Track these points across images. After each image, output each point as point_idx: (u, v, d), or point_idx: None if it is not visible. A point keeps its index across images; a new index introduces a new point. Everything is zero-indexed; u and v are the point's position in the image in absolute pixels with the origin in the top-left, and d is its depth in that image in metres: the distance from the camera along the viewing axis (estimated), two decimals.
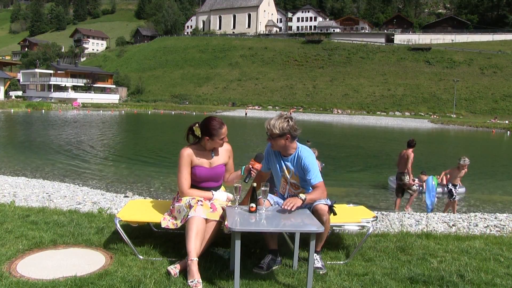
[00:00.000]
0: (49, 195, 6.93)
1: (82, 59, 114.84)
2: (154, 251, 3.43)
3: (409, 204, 8.56)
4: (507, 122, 52.45)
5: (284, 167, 3.44)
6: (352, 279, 3.02)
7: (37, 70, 78.38)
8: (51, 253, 3.31)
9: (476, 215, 6.46)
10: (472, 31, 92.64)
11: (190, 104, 74.81)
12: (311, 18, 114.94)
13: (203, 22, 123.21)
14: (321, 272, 3.12)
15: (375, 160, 17.79)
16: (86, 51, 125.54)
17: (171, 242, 3.60)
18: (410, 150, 8.47)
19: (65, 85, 74.04)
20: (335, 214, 3.35)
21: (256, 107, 71.71)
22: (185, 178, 3.42)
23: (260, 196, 3.18)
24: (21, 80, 79.29)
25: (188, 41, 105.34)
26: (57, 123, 33.10)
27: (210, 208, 3.26)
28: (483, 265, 3.40)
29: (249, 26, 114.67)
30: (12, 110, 47.48)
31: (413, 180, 8.62)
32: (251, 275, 2.98)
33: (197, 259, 2.94)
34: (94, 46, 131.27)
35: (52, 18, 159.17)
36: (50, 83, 73.06)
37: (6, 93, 65.74)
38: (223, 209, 3.28)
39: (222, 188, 3.63)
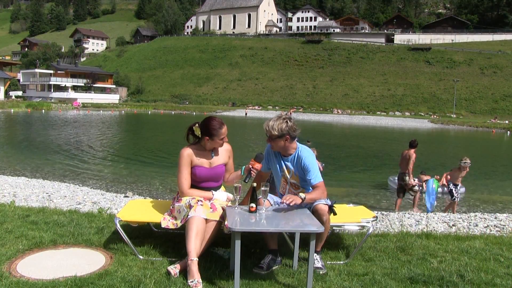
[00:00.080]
0: (49, 195, 6.93)
1: (82, 59, 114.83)
2: (154, 251, 3.43)
3: (416, 205, 8.51)
4: (507, 122, 52.45)
5: (284, 167, 3.44)
6: (352, 279, 3.02)
7: (37, 70, 78.39)
8: (51, 253, 3.31)
9: (476, 215, 6.46)
10: (472, 31, 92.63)
11: (190, 104, 74.79)
12: (311, 18, 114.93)
13: (203, 22, 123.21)
14: (321, 272, 3.12)
15: (375, 160, 17.79)
16: (86, 51, 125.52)
17: (171, 242, 3.60)
18: (412, 151, 8.45)
19: (65, 85, 74.04)
20: (335, 214, 3.35)
21: (256, 107, 71.70)
22: (185, 178, 3.42)
23: (260, 196, 3.18)
24: (21, 80, 79.30)
25: (188, 41, 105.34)
26: (57, 123, 33.10)
27: (210, 208, 3.26)
28: (483, 265, 3.40)
29: (249, 26, 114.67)
30: (12, 110, 47.50)
31: (414, 181, 8.61)
32: (251, 275, 2.98)
33: (197, 259, 2.94)
34: (94, 46, 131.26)
35: (52, 18, 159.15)
36: (50, 83, 73.07)
37: (6, 93, 65.75)
38: (223, 209, 3.28)
39: (222, 188, 3.63)
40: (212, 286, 2.84)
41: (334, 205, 3.35)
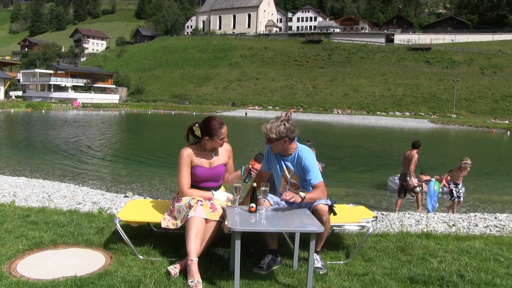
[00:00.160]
0: (49, 195, 6.93)
1: (82, 59, 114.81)
2: (154, 251, 3.43)
3: (420, 206, 8.50)
4: (507, 122, 52.44)
5: (284, 167, 3.44)
6: (352, 279, 3.02)
7: (37, 70, 78.37)
8: (51, 253, 3.31)
9: (476, 215, 6.46)
10: (472, 31, 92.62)
11: (190, 104, 74.79)
12: (311, 18, 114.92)
13: (203, 22, 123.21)
14: (321, 272, 3.12)
15: (375, 160, 17.80)
16: (86, 51, 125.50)
17: (171, 242, 3.60)
18: (415, 151, 8.43)
19: (65, 85, 74.03)
20: (335, 214, 3.35)
21: (256, 107, 71.70)
22: (185, 178, 3.42)
23: (260, 196, 3.18)
24: (21, 80, 79.29)
25: (188, 41, 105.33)
26: (57, 123, 33.10)
27: (210, 208, 3.26)
28: (483, 265, 3.40)
29: (249, 26, 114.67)
30: (12, 110, 47.49)
31: (415, 182, 8.58)
32: (251, 275, 2.98)
33: (197, 259, 2.94)
34: (94, 46, 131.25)
35: (52, 18, 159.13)
36: (50, 83, 73.05)
37: (6, 93, 65.75)
38: (223, 209, 3.28)
39: (222, 188, 3.63)
40: (212, 286, 2.84)
41: (334, 205, 3.35)
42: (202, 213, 3.17)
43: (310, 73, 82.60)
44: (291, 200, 3.05)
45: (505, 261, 3.56)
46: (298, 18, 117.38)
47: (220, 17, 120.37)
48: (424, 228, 5.41)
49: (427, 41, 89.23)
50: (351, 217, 3.79)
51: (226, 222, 3.01)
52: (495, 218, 6.28)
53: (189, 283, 2.78)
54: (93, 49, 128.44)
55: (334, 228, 4.12)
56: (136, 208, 3.77)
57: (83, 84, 76.45)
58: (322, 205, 3.22)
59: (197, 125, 3.48)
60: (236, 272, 2.71)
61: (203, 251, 3.13)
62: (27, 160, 13.58)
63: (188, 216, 3.18)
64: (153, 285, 2.73)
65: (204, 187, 3.48)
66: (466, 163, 8.22)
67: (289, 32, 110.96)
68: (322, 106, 71.54)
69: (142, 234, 3.83)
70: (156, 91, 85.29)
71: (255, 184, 3.14)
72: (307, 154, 3.36)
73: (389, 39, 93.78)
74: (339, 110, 68.61)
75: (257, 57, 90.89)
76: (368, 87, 75.52)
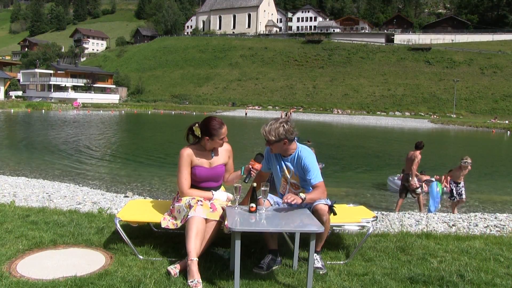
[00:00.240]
0: (49, 195, 6.93)
1: (82, 59, 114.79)
2: (154, 251, 3.43)
3: (422, 207, 8.49)
4: (507, 122, 52.43)
5: (284, 167, 3.44)
6: (352, 279, 3.02)
7: (37, 70, 78.36)
8: (51, 253, 3.31)
9: (476, 215, 6.46)
10: (472, 31, 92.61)
11: (190, 104, 74.78)
12: (311, 18, 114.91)
13: (203, 22, 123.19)
14: (321, 272, 3.12)
15: (375, 160, 17.80)
16: (86, 51, 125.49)
17: (171, 242, 3.60)
18: (418, 152, 8.42)
19: (65, 85, 74.02)
20: (335, 214, 3.35)
21: (256, 107, 71.69)
22: (185, 178, 3.42)
23: (260, 196, 3.18)
24: (21, 80, 79.28)
25: (188, 41, 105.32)
26: (57, 123, 33.10)
27: (210, 208, 3.26)
28: (483, 265, 3.40)
29: (249, 26, 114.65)
30: (12, 110, 47.49)
31: (416, 182, 8.57)
32: (251, 275, 2.98)
33: (197, 259, 2.94)
34: (94, 46, 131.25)
35: (52, 18, 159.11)
36: (50, 83, 73.05)
37: (6, 93, 65.74)
38: (223, 209, 3.28)
39: (222, 188, 3.63)
40: (212, 286, 2.84)
41: (334, 205, 3.35)
42: (202, 213, 3.17)
43: (310, 73, 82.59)
44: (292, 203, 3.05)
45: (505, 261, 3.56)
46: (298, 18, 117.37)
47: (220, 17, 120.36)
48: (424, 228, 5.41)
49: (427, 41, 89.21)
50: (351, 217, 3.79)
51: (226, 222, 3.01)
52: (495, 218, 6.28)
53: (189, 283, 2.78)
54: (93, 49, 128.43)
55: (334, 228, 4.12)
56: (136, 208, 3.77)
57: (83, 84, 76.45)
58: (322, 205, 3.22)
59: (197, 125, 3.48)
60: (236, 272, 2.71)
61: (203, 251, 3.13)
62: (27, 160, 13.58)
63: (188, 216, 3.18)
64: (153, 285, 2.73)
65: (204, 187, 3.48)
66: (466, 162, 8.23)
67: (289, 32, 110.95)
68: (322, 106, 71.53)
69: (142, 234, 3.83)
70: (156, 91, 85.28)
71: (255, 184, 3.14)
72: (307, 154, 3.36)
73: (389, 39, 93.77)
74: (339, 110, 68.60)
75: (257, 57, 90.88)
76: (368, 87, 75.52)
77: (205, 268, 3.03)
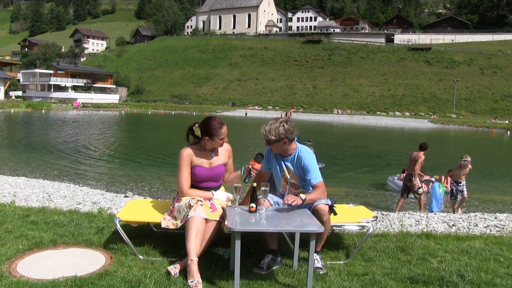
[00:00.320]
0: (49, 195, 6.93)
1: (82, 59, 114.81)
2: (154, 251, 3.43)
3: (422, 207, 8.50)
4: (507, 122, 52.43)
5: (284, 168, 3.44)
6: (352, 279, 3.02)
7: (37, 70, 78.37)
8: (51, 253, 3.31)
9: (476, 215, 6.46)
10: (472, 31, 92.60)
11: (190, 104, 74.79)
12: (311, 18, 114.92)
13: (203, 22, 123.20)
14: (321, 272, 3.12)
15: (375, 160, 17.80)
16: (86, 51, 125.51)
17: (171, 242, 3.60)
18: (422, 153, 8.44)
19: (65, 85, 74.03)
20: (335, 214, 3.35)
21: (256, 107, 71.69)
22: (185, 178, 3.42)
23: (260, 196, 3.18)
24: (21, 80, 79.28)
25: (188, 41, 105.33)
26: (57, 123, 33.10)
27: (210, 208, 3.26)
28: (483, 265, 3.40)
29: (249, 26, 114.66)
30: (12, 110, 47.49)
31: (419, 183, 8.57)
32: (251, 275, 2.98)
33: (197, 259, 2.94)
34: (94, 46, 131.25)
35: (52, 18, 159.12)
36: (50, 83, 73.06)
37: (6, 93, 65.74)
38: (223, 209, 3.28)
39: (222, 188, 3.63)
40: (212, 286, 2.84)
41: (334, 205, 3.35)
42: (202, 213, 3.17)
43: (310, 73, 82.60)
44: (293, 204, 3.05)
45: (505, 261, 3.56)
46: (298, 18, 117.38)
47: (220, 17, 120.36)
48: (424, 228, 5.41)
49: (427, 41, 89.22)
50: (351, 217, 3.79)
51: (226, 222, 3.01)
52: (495, 218, 6.28)
53: (189, 283, 2.78)
54: (93, 49, 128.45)
55: (334, 228, 4.12)
56: (136, 208, 3.77)
57: (83, 84, 76.46)
58: (322, 205, 3.22)
59: (197, 125, 3.48)
60: (236, 272, 2.71)
61: (203, 251, 3.13)
62: (27, 160, 13.58)
63: (188, 216, 3.18)
64: (153, 285, 2.73)
65: (204, 187, 3.48)
66: (465, 160, 8.26)
67: (289, 32, 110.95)
68: (322, 106, 71.53)
69: (142, 234, 3.83)
70: (156, 91, 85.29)
71: (255, 184, 3.14)
72: (307, 154, 3.36)
73: (389, 39, 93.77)
74: (339, 110, 68.60)
75: (257, 57, 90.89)
76: (368, 87, 75.52)
77: (205, 268, 3.03)
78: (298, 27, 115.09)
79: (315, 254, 3.09)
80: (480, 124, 48.84)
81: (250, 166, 3.34)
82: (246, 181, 3.38)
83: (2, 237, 3.55)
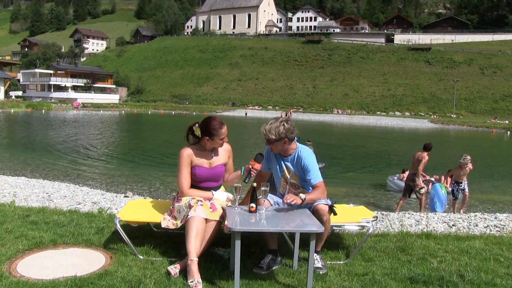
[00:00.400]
0: (49, 195, 6.93)
1: (82, 59, 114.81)
2: (154, 251, 3.43)
3: (422, 208, 8.50)
4: (507, 122, 52.43)
5: (284, 168, 3.44)
6: (352, 279, 3.02)
7: (37, 70, 78.35)
8: (51, 253, 3.31)
9: (476, 215, 6.46)
10: (472, 31, 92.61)
11: (190, 104, 74.79)
12: (311, 18, 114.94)
13: (203, 22, 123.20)
14: (321, 272, 3.12)
15: (375, 160, 17.80)
16: (86, 51, 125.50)
17: (171, 242, 3.60)
18: (425, 153, 8.46)
19: (65, 85, 74.03)
20: (335, 214, 3.35)
21: (256, 107, 71.69)
22: (185, 178, 3.42)
23: (260, 196, 3.18)
24: (21, 80, 79.27)
25: (188, 41, 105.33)
26: (57, 123, 33.10)
27: (210, 208, 3.26)
28: (483, 265, 3.40)
29: (249, 26, 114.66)
30: (12, 110, 47.48)
31: (421, 183, 8.57)
32: (251, 275, 2.98)
33: (197, 259, 2.94)
34: (94, 46, 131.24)
35: (52, 18, 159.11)
36: (50, 83, 73.04)
37: (6, 93, 65.71)
38: (223, 209, 3.28)
39: (222, 188, 3.63)
40: (212, 286, 2.84)
41: (334, 205, 3.35)
42: (202, 213, 3.17)
43: (310, 73, 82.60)
44: (292, 203, 3.05)
45: (505, 261, 3.56)
46: (298, 18, 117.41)
47: (220, 17, 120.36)
48: (424, 228, 5.41)
49: (427, 41, 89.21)
50: (351, 217, 3.79)
51: (226, 222, 3.01)
52: (495, 218, 6.28)
53: (189, 283, 2.78)
54: (93, 49, 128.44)
55: (334, 228, 4.12)
56: (136, 208, 3.77)
57: (83, 84, 76.45)
58: (322, 205, 3.22)
59: (197, 125, 3.48)
60: (236, 272, 2.71)
61: (203, 251, 3.13)
62: (27, 160, 13.58)
63: (188, 216, 3.18)
64: (153, 285, 2.73)
65: (204, 187, 3.48)
66: (465, 158, 8.29)
67: (289, 32, 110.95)
68: (322, 106, 71.53)
69: (142, 234, 3.83)
70: (156, 91, 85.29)
71: (255, 184, 3.14)
72: (307, 154, 3.36)
73: (389, 39, 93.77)
74: (339, 110, 68.60)
75: (257, 57, 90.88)
76: (368, 87, 75.53)
77: (205, 268, 3.03)
78: (298, 27, 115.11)
79: (315, 254, 3.09)
80: (480, 124, 48.84)
81: (250, 166, 3.34)
82: (246, 181, 3.38)
83: (2, 237, 3.55)
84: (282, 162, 3.44)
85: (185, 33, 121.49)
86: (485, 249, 3.87)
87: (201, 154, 3.46)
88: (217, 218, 3.22)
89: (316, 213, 3.18)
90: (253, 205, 3.02)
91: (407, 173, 10.15)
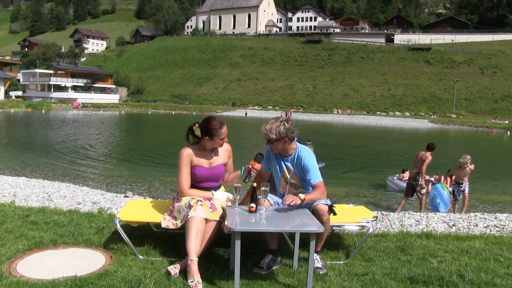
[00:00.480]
0: (49, 195, 6.93)
1: (82, 59, 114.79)
2: (154, 251, 3.43)
3: (423, 208, 8.50)
4: (507, 122, 52.43)
5: (284, 168, 3.44)
6: (352, 279, 3.02)
7: (37, 70, 78.33)
8: (51, 253, 3.31)
9: (476, 215, 6.46)
10: (472, 31, 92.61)
11: (190, 104, 74.80)
12: (311, 18, 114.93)
13: (203, 22, 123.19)
14: (321, 272, 3.12)
15: (375, 160, 17.80)
16: (86, 51, 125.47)
17: (171, 242, 3.60)
18: (429, 153, 8.46)
19: (65, 85, 74.02)
20: (335, 214, 3.35)
21: (256, 107, 71.69)
22: (185, 178, 3.42)
23: (260, 196, 3.18)
24: (21, 80, 79.25)
25: (188, 41, 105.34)
26: (57, 123, 33.09)
27: (210, 208, 3.26)
28: (483, 265, 3.40)
29: (249, 26, 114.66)
30: (12, 110, 47.48)
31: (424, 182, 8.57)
32: (251, 275, 2.98)
33: (197, 259, 2.94)
34: (94, 46, 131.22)
35: (52, 18, 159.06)
36: (50, 83, 73.05)
37: (6, 93, 65.72)
38: (223, 209, 3.28)
39: (222, 188, 3.63)
40: (212, 286, 2.84)
41: (334, 205, 3.35)
42: (202, 213, 3.17)
43: (310, 73, 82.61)
44: (292, 204, 3.05)
45: (505, 261, 3.56)
46: (298, 18, 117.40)
47: (220, 17, 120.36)
48: (424, 228, 5.41)
49: (427, 41, 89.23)
50: (351, 217, 3.79)
51: (226, 222, 3.01)
52: (495, 218, 6.27)
53: (189, 283, 2.78)
54: (93, 49, 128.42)
55: (334, 228, 4.12)
56: (136, 208, 3.77)
57: (83, 84, 76.46)
58: (322, 205, 3.22)
59: (197, 125, 3.48)
60: (236, 272, 2.71)
61: (203, 251, 3.13)
62: (27, 160, 13.57)
63: (188, 216, 3.17)
64: (153, 285, 2.73)
65: (204, 187, 3.48)
66: (464, 158, 8.28)
67: (289, 32, 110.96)
68: (322, 106, 71.55)
69: (142, 234, 3.83)
70: (156, 91, 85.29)
71: (255, 184, 3.14)
72: (307, 154, 3.36)
73: (389, 39, 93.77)
74: (339, 110, 68.61)
75: (257, 57, 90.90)
76: (368, 87, 75.54)
77: (205, 268, 3.03)
78: (298, 27, 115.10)
79: (315, 254, 3.09)
80: (480, 124, 48.84)
81: (250, 166, 3.34)
82: (246, 181, 3.38)
83: (2, 237, 3.55)
84: (282, 162, 3.44)
85: (185, 33, 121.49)
86: (485, 249, 3.87)
87: (201, 154, 3.46)
88: (217, 218, 3.22)
89: (315, 213, 3.18)
90: (253, 205, 3.02)
91: (407, 173, 10.17)
